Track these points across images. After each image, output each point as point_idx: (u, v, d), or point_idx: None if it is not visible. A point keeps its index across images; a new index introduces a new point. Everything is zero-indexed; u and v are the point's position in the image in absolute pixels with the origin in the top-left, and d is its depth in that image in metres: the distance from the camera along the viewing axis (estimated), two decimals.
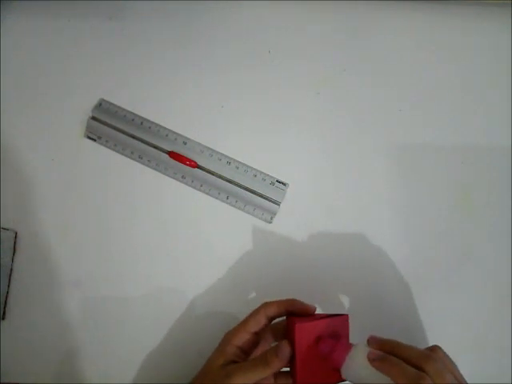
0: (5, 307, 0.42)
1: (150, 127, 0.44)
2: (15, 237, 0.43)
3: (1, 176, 0.44)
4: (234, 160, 0.44)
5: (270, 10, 0.46)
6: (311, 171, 0.44)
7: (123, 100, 0.44)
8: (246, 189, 0.44)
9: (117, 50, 0.45)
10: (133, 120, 0.44)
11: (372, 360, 0.30)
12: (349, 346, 0.32)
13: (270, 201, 0.43)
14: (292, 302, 0.35)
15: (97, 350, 0.42)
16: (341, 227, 0.44)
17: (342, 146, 0.45)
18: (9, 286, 0.42)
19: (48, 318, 0.42)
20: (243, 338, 0.34)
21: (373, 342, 0.32)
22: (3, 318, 0.42)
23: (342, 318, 0.33)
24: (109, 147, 0.44)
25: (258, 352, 0.35)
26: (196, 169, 0.44)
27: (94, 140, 0.44)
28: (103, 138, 0.44)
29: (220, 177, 0.44)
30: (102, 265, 0.43)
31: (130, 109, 0.44)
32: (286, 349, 0.31)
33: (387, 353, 0.31)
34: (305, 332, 0.32)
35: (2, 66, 0.44)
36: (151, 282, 0.43)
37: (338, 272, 0.43)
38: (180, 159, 0.44)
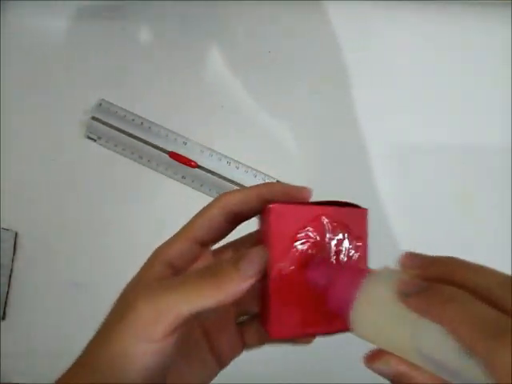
0: (5, 307, 0.42)
1: (150, 127, 0.44)
2: (15, 237, 0.43)
3: (1, 176, 0.44)
4: (234, 160, 0.44)
5: (270, 10, 0.46)
6: (311, 171, 0.44)
7: (123, 100, 0.44)
8: None
9: (117, 50, 0.45)
10: (133, 120, 0.44)
11: (406, 296, 0.16)
12: (362, 273, 0.18)
13: None
14: (270, 186, 0.21)
15: None
16: None
17: (341, 146, 0.45)
18: (9, 285, 0.42)
19: (48, 318, 0.42)
20: (180, 249, 0.20)
21: (410, 261, 0.19)
22: (3, 318, 0.42)
23: (357, 212, 0.21)
24: (109, 147, 0.44)
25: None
26: (196, 169, 0.44)
27: (94, 140, 0.44)
28: (103, 139, 0.44)
29: (220, 177, 0.44)
30: (102, 265, 0.43)
31: (129, 109, 0.44)
32: (256, 256, 0.18)
33: (436, 281, 0.17)
34: (288, 222, 0.19)
35: (2, 66, 0.44)
36: None
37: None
38: (180, 159, 0.44)
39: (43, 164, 0.44)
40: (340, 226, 0.20)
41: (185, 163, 0.44)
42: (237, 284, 0.17)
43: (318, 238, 0.20)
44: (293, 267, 0.19)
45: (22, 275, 0.43)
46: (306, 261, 0.19)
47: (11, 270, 0.43)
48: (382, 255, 0.44)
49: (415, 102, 0.45)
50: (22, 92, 0.45)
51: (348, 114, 0.45)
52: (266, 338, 0.22)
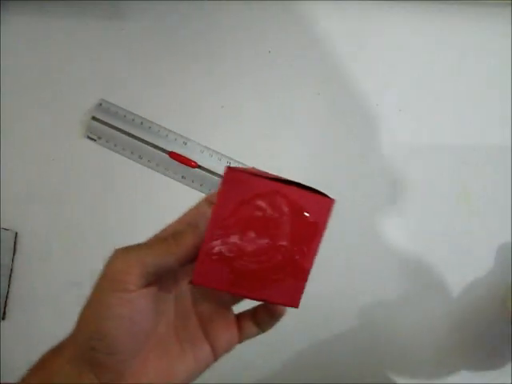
0: (5, 307, 0.42)
1: (150, 127, 0.44)
2: (15, 237, 0.43)
3: (1, 176, 0.44)
4: (234, 160, 0.44)
5: (270, 10, 0.46)
6: (311, 171, 0.44)
7: (123, 100, 0.44)
8: None
9: (117, 50, 0.45)
10: (133, 120, 0.44)
11: None
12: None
13: None
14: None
15: None
16: (341, 227, 0.44)
17: (342, 146, 0.45)
18: (9, 286, 0.42)
19: (48, 318, 0.42)
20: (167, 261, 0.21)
21: None
22: (3, 318, 0.42)
23: (321, 200, 0.20)
24: (109, 147, 0.44)
25: None
26: (196, 169, 0.44)
27: (94, 140, 0.44)
28: (103, 139, 0.44)
29: (220, 177, 0.44)
30: (102, 265, 0.43)
31: (129, 109, 0.44)
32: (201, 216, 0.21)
33: None
34: (239, 189, 0.20)
35: (2, 66, 0.44)
36: None
37: (338, 271, 0.43)
38: (180, 159, 0.44)
39: (43, 164, 0.44)
40: (295, 208, 0.20)
41: (185, 163, 0.44)
42: (191, 238, 0.20)
43: (267, 210, 0.20)
44: (235, 229, 0.20)
45: (22, 275, 0.43)
46: (249, 227, 0.20)
47: (11, 270, 0.43)
48: (381, 256, 0.44)
49: (415, 101, 0.45)
50: (22, 92, 0.45)
51: (348, 113, 0.45)
52: (262, 327, 0.23)
